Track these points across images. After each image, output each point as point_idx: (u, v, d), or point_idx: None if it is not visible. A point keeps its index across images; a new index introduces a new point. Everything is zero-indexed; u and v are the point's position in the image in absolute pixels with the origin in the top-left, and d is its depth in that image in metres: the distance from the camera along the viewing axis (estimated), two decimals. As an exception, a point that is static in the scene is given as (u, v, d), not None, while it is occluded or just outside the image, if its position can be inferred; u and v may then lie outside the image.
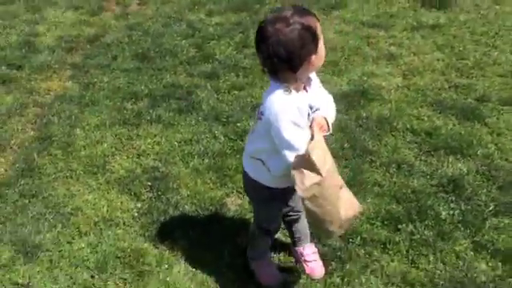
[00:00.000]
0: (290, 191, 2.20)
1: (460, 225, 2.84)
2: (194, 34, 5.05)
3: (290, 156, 2.01)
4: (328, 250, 2.72)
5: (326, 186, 2.02)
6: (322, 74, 4.22)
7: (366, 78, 4.23)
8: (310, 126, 2.05)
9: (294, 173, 2.01)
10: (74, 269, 2.70)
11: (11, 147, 3.56)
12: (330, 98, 2.24)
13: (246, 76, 4.30)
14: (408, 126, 3.63)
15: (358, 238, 2.78)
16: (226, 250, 2.76)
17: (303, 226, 2.63)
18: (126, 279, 2.64)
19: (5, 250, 2.80)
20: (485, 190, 3.07)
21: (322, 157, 2.01)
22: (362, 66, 4.43)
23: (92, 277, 2.65)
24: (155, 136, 3.62)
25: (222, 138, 3.57)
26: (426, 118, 3.72)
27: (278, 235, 2.76)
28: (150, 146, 3.54)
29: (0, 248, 2.82)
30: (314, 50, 1.95)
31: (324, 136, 2.08)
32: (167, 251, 2.77)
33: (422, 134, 3.54)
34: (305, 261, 2.63)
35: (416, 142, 3.49)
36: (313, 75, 2.15)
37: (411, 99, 3.94)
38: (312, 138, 2.02)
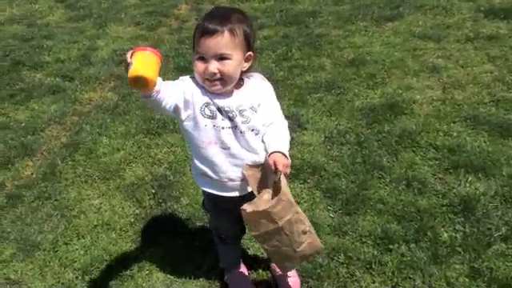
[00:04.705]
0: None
1: (460, 249, 2.61)
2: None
3: None
4: (308, 267, 2.60)
5: (282, 233, 1.98)
6: (357, 86, 4.10)
7: (400, 92, 4.03)
8: (275, 171, 1.93)
9: (248, 220, 1.99)
10: (63, 269, 2.80)
11: (42, 153, 3.79)
12: (285, 124, 2.16)
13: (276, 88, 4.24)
14: (432, 141, 3.41)
15: (343, 255, 2.64)
16: (206, 260, 2.73)
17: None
18: (107, 282, 2.70)
19: (8, 247, 2.97)
20: (499, 213, 2.80)
21: (286, 208, 1.95)
22: (400, 79, 4.22)
23: (76, 277, 2.74)
24: (172, 145, 3.68)
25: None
26: (454, 134, 3.46)
27: (258, 248, 2.70)
28: (165, 155, 3.60)
29: (5, 244, 2.99)
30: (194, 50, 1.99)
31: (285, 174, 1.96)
32: (151, 258, 2.79)
33: (445, 151, 3.30)
34: (279, 276, 2.53)
35: (437, 159, 3.26)
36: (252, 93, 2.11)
37: (444, 114, 3.69)
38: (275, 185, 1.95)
